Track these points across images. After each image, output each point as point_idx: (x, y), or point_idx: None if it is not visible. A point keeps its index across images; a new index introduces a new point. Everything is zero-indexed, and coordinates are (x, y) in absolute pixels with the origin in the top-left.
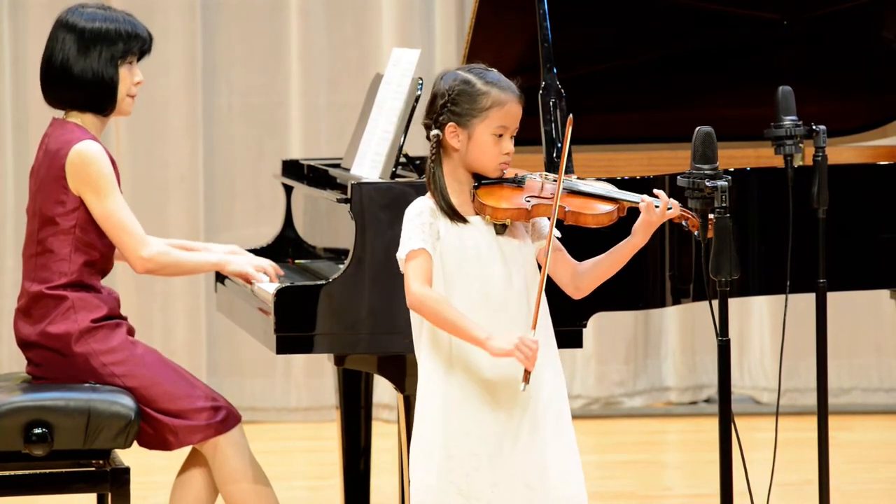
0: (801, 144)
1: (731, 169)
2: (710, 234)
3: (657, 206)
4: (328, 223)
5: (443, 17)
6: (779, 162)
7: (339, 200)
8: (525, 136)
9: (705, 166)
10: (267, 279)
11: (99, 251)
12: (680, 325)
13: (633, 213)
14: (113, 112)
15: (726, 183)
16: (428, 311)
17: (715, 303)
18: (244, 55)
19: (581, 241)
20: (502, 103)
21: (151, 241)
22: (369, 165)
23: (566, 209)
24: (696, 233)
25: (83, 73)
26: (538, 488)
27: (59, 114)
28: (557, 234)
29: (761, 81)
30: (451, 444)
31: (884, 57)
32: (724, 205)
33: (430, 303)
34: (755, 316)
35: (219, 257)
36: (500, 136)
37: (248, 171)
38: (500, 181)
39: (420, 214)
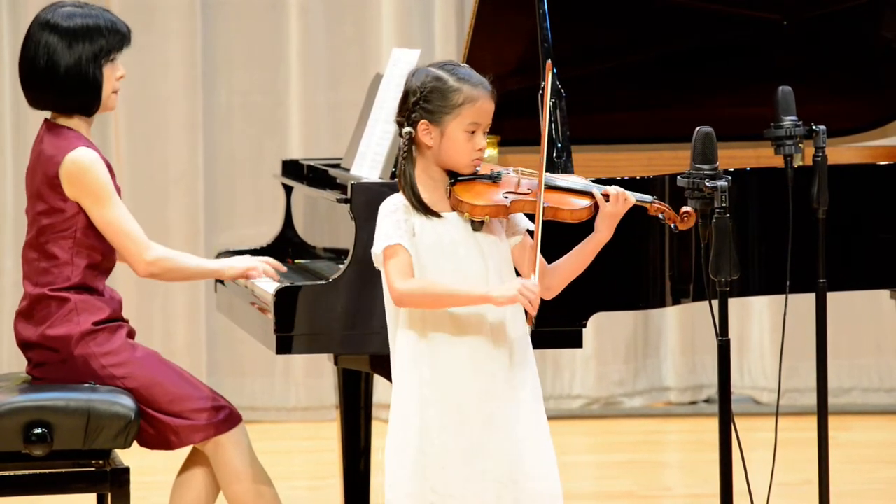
0: (800, 144)
1: (731, 169)
2: (687, 226)
3: (610, 195)
4: (328, 223)
5: (443, 17)
6: (779, 162)
7: (338, 200)
8: (525, 137)
9: (705, 166)
10: (258, 274)
11: (101, 252)
12: (680, 326)
13: None
14: (98, 111)
15: (726, 183)
16: (418, 301)
17: (715, 303)
18: (244, 55)
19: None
20: (474, 100)
21: (154, 245)
22: (369, 166)
23: (545, 205)
24: (672, 225)
25: (68, 75)
26: (510, 485)
27: (47, 113)
28: (530, 225)
29: (761, 81)
30: (426, 440)
31: (884, 56)
32: (723, 205)
33: (417, 292)
34: (755, 316)
35: (219, 263)
36: (473, 132)
37: (248, 171)
38: (476, 177)
39: (395, 211)
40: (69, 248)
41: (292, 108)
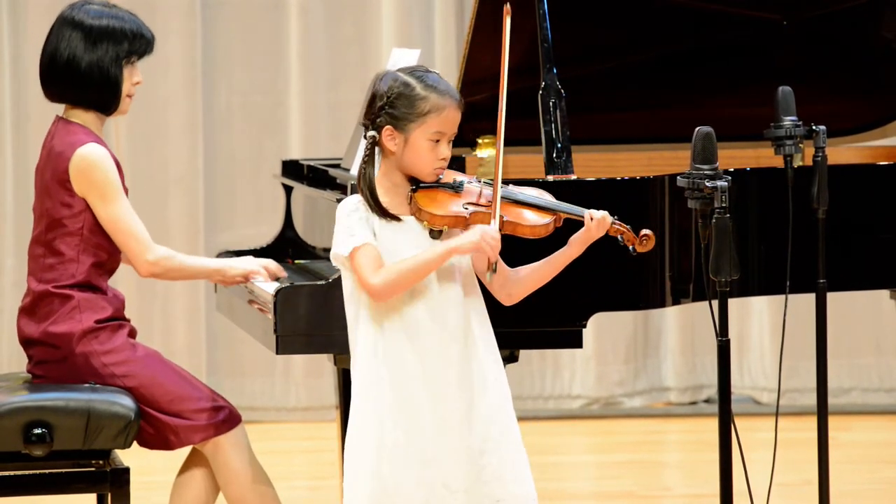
0: (800, 145)
1: (731, 169)
2: (645, 248)
3: (595, 219)
4: (328, 223)
5: (443, 17)
6: (779, 162)
7: (338, 201)
8: (525, 137)
9: (705, 166)
10: (262, 278)
11: (106, 251)
12: (680, 326)
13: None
14: (115, 112)
15: (726, 183)
16: (395, 286)
17: (715, 303)
18: (244, 55)
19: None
20: (440, 109)
21: (156, 246)
22: None
23: (504, 219)
24: (630, 247)
25: (90, 71)
26: (482, 487)
27: (59, 109)
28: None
29: (761, 81)
30: (387, 432)
31: (884, 57)
32: (723, 205)
33: (390, 280)
34: (755, 316)
35: (220, 262)
36: (437, 141)
37: (248, 171)
38: (438, 186)
39: (355, 210)
40: (76, 245)
41: (292, 108)
